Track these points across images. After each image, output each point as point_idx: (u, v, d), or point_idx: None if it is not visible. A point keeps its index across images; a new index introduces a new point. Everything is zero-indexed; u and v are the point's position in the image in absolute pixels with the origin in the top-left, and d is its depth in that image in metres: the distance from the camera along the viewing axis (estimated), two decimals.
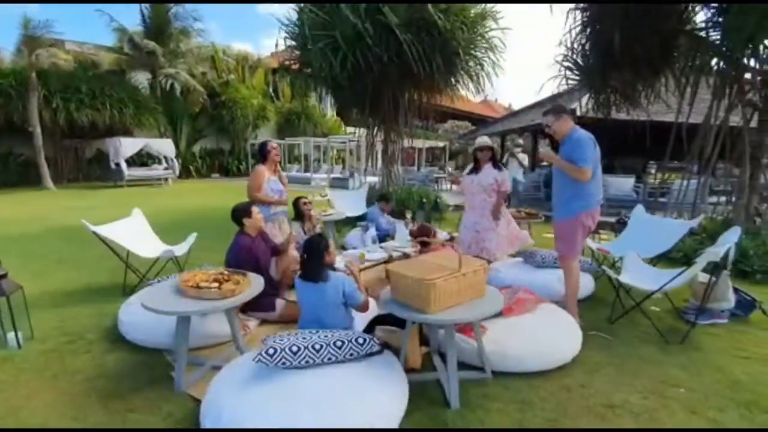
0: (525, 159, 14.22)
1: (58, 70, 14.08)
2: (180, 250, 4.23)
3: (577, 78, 7.26)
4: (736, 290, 3.48)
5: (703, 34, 5.67)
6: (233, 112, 19.41)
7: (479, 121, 24.92)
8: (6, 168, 14.65)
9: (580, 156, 3.13)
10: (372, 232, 4.67)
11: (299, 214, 4.83)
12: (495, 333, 2.67)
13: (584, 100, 8.13)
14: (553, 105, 3.50)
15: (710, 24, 5.52)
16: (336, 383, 2.04)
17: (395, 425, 2.00)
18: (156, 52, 16.77)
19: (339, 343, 2.18)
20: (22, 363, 2.79)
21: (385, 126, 8.44)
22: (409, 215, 5.91)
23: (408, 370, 2.42)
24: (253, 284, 2.74)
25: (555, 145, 3.42)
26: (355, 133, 14.13)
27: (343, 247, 5.44)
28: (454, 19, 6.81)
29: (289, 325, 3.07)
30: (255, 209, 3.41)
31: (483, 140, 4.34)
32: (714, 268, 3.13)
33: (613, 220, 6.27)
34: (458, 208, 7.02)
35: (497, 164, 4.28)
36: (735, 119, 5.57)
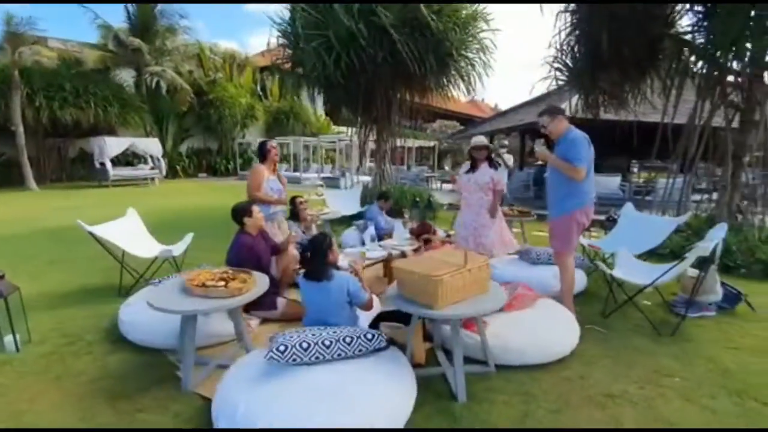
0: (510, 159, 14.43)
1: (42, 67, 13.78)
2: (177, 249, 4.21)
3: (567, 79, 7.42)
4: (723, 284, 3.63)
5: (687, 37, 5.87)
6: (221, 111, 19.20)
7: (467, 121, 25.13)
8: None
9: (575, 155, 3.22)
10: (371, 230, 4.72)
11: (295, 213, 4.84)
12: (496, 327, 2.74)
13: (573, 100, 8.30)
14: (549, 106, 3.59)
15: (695, 28, 5.71)
16: (347, 378, 2.07)
17: (406, 417, 2.05)
18: (141, 50, 16.51)
19: (348, 339, 2.22)
20: (21, 366, 2.75)
21: (378, 125, 8.49)
22: (407, 214, 5.98)
23: (413, 366, 2.47)
24: (259, 283, 2.76)
25: (549, 145, 3.51)
26: (346, 132, 14.14)
27: (339, 246, 5.46)
28: (447, 20, 6.90)
29: (291, 324, 3.08)
30: (256, 208, 3.42)
31: (479, 139, 4.42)
32: (702, 263, 3.26)
33: (602, 217, 6.43)
34: (452, 206, 7.10)
35: (493, 163, 4.37)
36: (718, 120, 5.78)
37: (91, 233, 3.85)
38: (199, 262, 4.25)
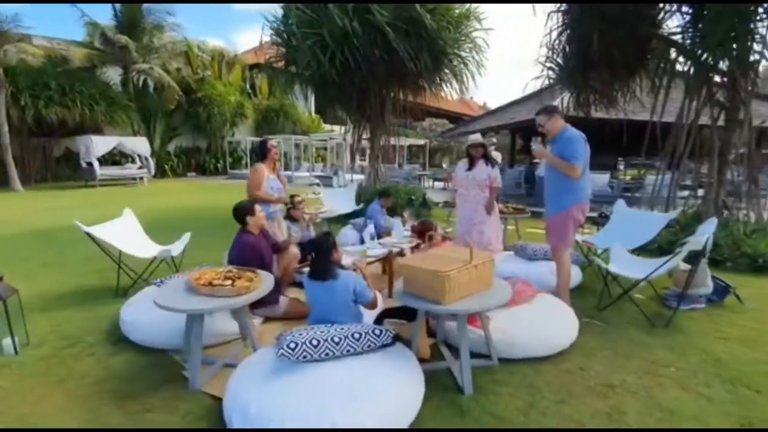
0: (498, 157, 14.58)
1: (27, 66, 13.46)
2: (175, 249, 4.18)
3: (558, 77, 7.53)
4: (713, 277, 3.75)
5: (676, 38, 6.01)
6: (210, 109, 18.96)
7: (457, 119, 25.27)
8: None
9: (571, 153, 3.30)
10: (371, 228, 4.74)
11: (290, 215, 4.84)
12: (498, 322, 2.80)
13: (565, 98, 8.43)
14: (545, 105, 3.67)
15: (683, 29, 5.86)
16: (357, 373, 2.11)
17: (417, 410, 2.10)
18: (128, 47, 16.22)
19: (357, 335, 2.25)
20: (21, 369, 2.72)
21: (371, 123, 8.51)
22: (406, 213, 6.02)
23: (419, 360, 2.51)
24: (265, 282, 2.77)
25: (544, 143, 3.59)
26: (339, 130, 14.12)
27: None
28: (440, 18, 6.95)
29: (293, 322, 3.10)
30: (258, 207, 3.42)
31: (476, 137, 4.49)
32: (693, 257, 3.37)
33: (594, 214, 6.56)
34: (447, 204, 7.17)
35: (489, 161, 4.44)
36: (704, 118, 5.94)
37: (88, 234, 3.80)
38: (195, 261, 4.25)
